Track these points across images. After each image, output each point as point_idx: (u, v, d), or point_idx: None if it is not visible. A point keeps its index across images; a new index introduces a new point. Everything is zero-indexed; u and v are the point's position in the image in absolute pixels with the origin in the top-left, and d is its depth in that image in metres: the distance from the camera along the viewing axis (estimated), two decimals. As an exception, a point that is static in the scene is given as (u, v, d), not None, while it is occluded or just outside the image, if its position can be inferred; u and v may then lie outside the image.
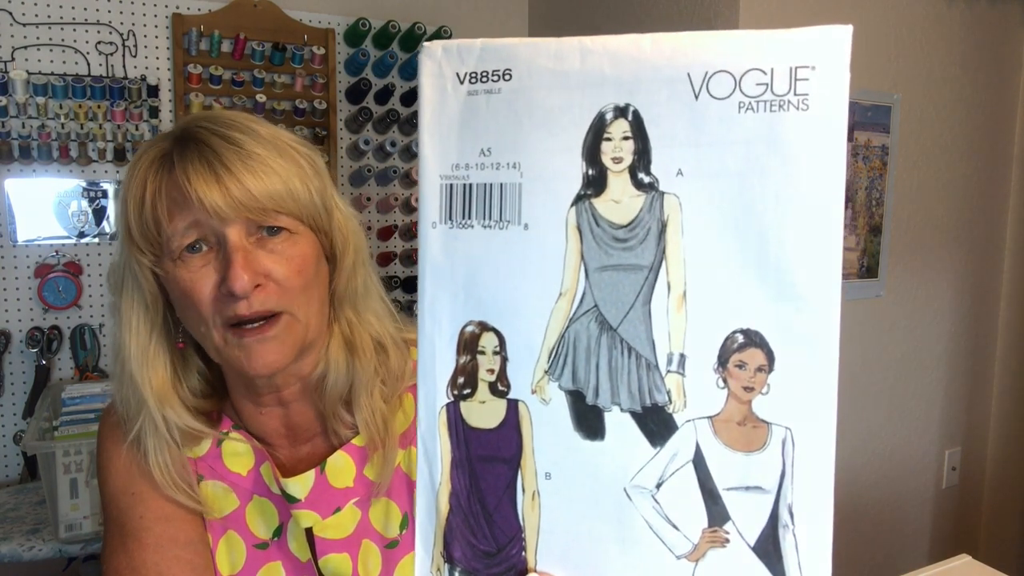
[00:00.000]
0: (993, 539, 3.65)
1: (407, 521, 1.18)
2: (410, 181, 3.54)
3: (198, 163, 1.01)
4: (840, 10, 2.84)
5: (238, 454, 1.18)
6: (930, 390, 3.39)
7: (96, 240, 3.08)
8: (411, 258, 3.55)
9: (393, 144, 3.49)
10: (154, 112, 3.10)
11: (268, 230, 1.03)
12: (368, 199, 3.49)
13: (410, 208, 3.53)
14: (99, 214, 3.06)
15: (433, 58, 0.68)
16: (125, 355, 1.10)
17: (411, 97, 3.55)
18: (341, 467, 1.16)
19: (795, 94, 0.58)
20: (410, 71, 3.55)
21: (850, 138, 2.89)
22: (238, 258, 1.00)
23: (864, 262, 3.09)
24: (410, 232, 3.55)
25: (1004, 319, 3.55)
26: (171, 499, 1.13)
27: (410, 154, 3.53)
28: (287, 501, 1.14)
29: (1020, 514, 3.54)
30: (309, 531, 1.15)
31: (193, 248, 1.02)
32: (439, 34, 3.49)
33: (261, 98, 3.24)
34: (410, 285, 3.52)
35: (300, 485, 1.14)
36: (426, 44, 0.68)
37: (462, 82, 0.67)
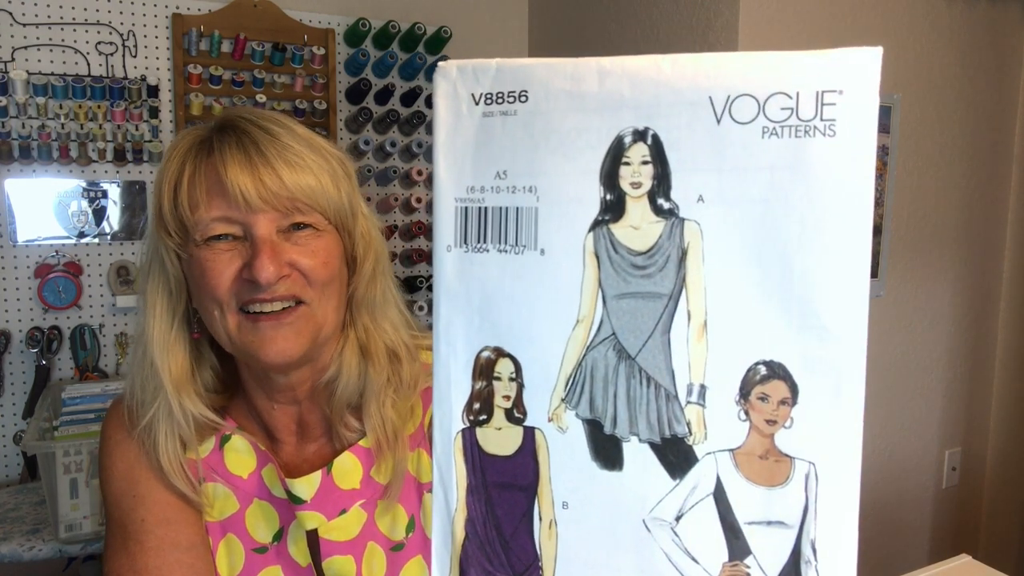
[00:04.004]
0: (993, 539, 3.65)
1: (413, 524, 1.18)
2: (410, 181, 3.53)
3: (236, 149, 1.03)
4: (840, 10, 2.83)
5: (240, 456, 1.18)
6: (930, 390, 3.39)
7: (96, 240, 3.08)
8: (411, 258, 3.55)
9: (393, 144, 3.48)
10: (154, 112, 3.10)
11: (295, 226, 1.06)
12: (368, 199, 3.47)
13: (410, 208, 3.52)
14: (99, 214, 3.06)
15: (448, 78, 0.67)
16: (147, 339, 1.11)
17: (411, 97, 3.54)
18: (348, 469, 1.16)
19: (822, 119, 0.57)
20: (410, 71, 3.54)
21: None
22: (265, 249, 1.02)
23: (864, 262, 3.08)
24: (410, 232, 3.54)
25: (1004, 319, 3.55)
26: (173, 500, 1.14)
27: (410, 154, 3.53)
28: (292, 502, 1.14)
29: (1020, 514, 3.54)
30: (312, 534, 1.15)
31: (220, 237, 1.04)
32: (439, 34, 3.48)
33: (261, 98, 3.24)
34: (410, 285, 3.51)
35: (306, 486, 1.14)
36: (441, 64, 0.67)
37: (477, 103, 0.66)
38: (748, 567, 0.61)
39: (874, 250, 3.09)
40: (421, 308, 3.43)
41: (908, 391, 3.32)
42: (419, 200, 3.51)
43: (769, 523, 0.61)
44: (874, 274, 3.11)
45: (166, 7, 3.14)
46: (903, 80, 3.07)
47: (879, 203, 3.08)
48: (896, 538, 3.40)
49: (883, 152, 3.05)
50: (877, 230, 3.08)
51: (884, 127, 3.04)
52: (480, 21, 3.78)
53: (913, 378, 3.33)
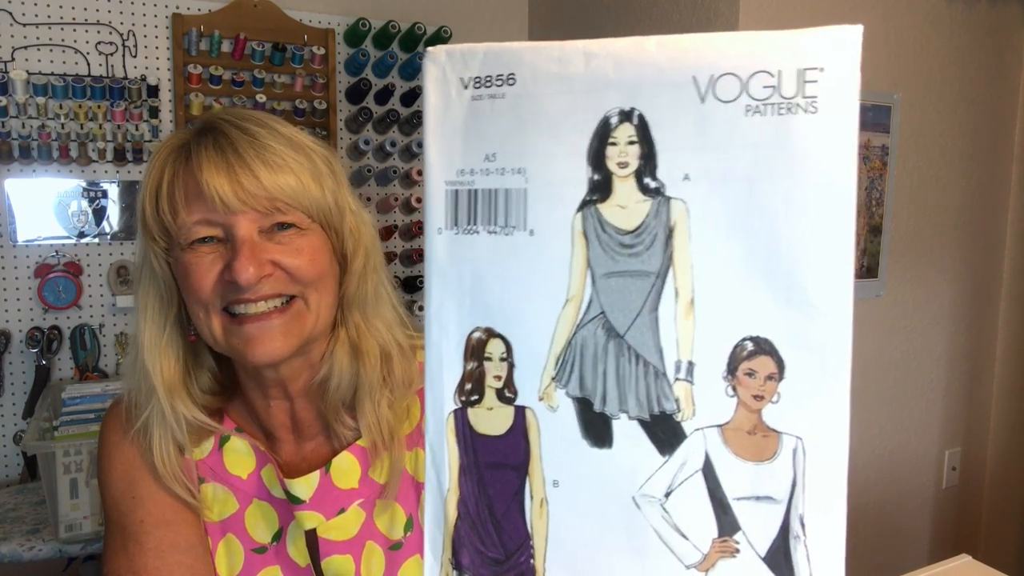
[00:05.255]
0: (993, 539, 3.65)
1: (411, 523, 1.18)
2: (410, 181, 3.53)
3: (213, 152, 1.03)
4: (840, 10, 2.83)
5: (239, 456, 1.18)
6: (930, 390, 3.39)
7: (96, 240, 3.08)
8: (411, 258, 3.55)
9: (393, 144, 3.49)
10: (154, 112, 3.10)
11: (278, 226, 1.05)
12: (368, 199, 3.49)
13: (410, 208, 3.53)
14: (99, 214, 3.07)
15: (437, 63, 0.67)
16: (140, 343, 1.12)
17: (411, 97, 3.54)
18: (346, 468, 1.16)
19: (804, 96, 0.57)
20: (410, 71, 3.54)
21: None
22: (244, 250, 1.02)
23: (864, 262, 3.09)
24: (410, 232, 3.55)
25: (1004, 319, 3.55)
26: (172, 501, 1.14)
27: (410, 154, 3.53)
28: (291, 503, 1.14)
29: (1020, 514, 3.54)
30: (311, 533, 1.15)
31: (203, 240, 1.04)
32: (439, 34, 3.49)
33: (261, 98, 3.25)
34: (410, 285, 3.52)
35: (305, 486, 1.14)
36: (430, 49, 0.67)
37: (466, 87, 0.66)
38: (737, 543, 0.62)
39: (874, 250, 3.09)
40: (422, 308, 3.43)
41: (908, 391, 3.32)
42: (419, 200, 3.51)
43: (758, 498, 0.61)
44: (874, 274, 3.12)
45: (166, 7, 3.15)
46: (903, 80, 3.07)
47: (879, 203, 3.08)
48: (896, 538, 3.40)
49: (883, 152, 3.06)
50: (877, 230, 3.09)
51: (884, 127, 3.04)
52: (480, 21, 3.78)
53: (913, 378, 3.33)
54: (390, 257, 3.57)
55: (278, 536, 1.17)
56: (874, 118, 3.01)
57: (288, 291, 1.06)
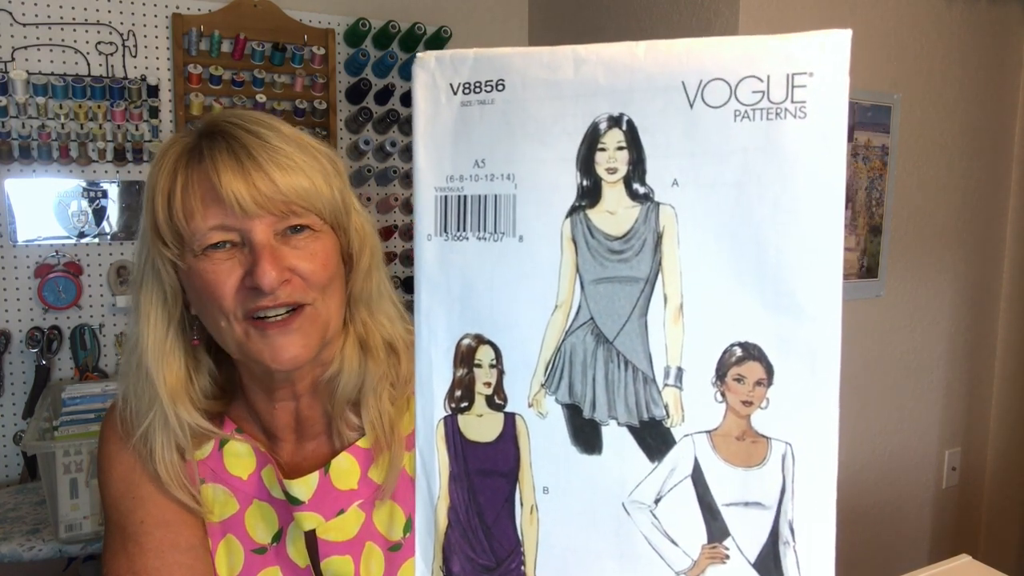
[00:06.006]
0: (993, 539, 3.65)
1: (411, 524, 1.18)
2: (410, 182, 3.53)
3: (227, 155, 1.02)
4: (840, 10, 2.83)
5: (239, 457, 1.18)
6: (930, 390, 3.39)
7: (96, 240, 3.08)
8: (410, 258, 3.55)
9: (393, 144, 3.49)
10: (154, 112, 3.10)
11: (292, 228, 1.05)
12: (368, 199, 3.49)
13: (410, 208, 3.52)
14: (99, 214, 3.07)
15: (426, 69, 0.67)
16: (142, 348, 1.11)
17: (411, 98, 3.53)
18: (345, 469, 1.16)
19: (792, 101, 0.57)
20: (410, 71, 3.53)
21: (850, 138, 2.90)
22: (265, 254, 1.01)
23: (864, 262, 3.09)
24: (410, 232, 3.54)
25: (1004, 319, 3.55)
26: (172, 502, 1.14)
27: (410, 154, 3.50)
28: (290, 503, 1.14)
29: (1020, 514, 3.54)
30: (311, 534, 1.15)
31: (217, 245, 1.03)
32: (439, 34, 3.49)
33: (261, 98, 3.25)
34: (410, 285, 3.51)
35: (304, 487, 1.14)
36: (419, 55, 0.67)
37: (455, 92, 0.66)
38: (727, 549, 0.62)
39: (874, 250, 3.09)
40: (421, 308, 3.42)
41: (908, 391, 3.32)
42: (418, 201, 3.50)
43: (747, 504, 0.61)
44: (874, 274, 3.11)
45: (166, 7, 3.15)
46: (903, 80, 3.07)
47: (879, 203, 3.08)
48: (896, 538, 3.40)
49: (883, 152, 3.05)
50: (877, 230, 3.09)
51: (884, 127, 3.04)
52: (480, 21, 3.78)
53: (913, 378, 3.33)
54: (390, 257, 3.57)
55: (278, 537, 1.17)
56: (874, 118, 3.01)
57: (304, 300, 1.05)
